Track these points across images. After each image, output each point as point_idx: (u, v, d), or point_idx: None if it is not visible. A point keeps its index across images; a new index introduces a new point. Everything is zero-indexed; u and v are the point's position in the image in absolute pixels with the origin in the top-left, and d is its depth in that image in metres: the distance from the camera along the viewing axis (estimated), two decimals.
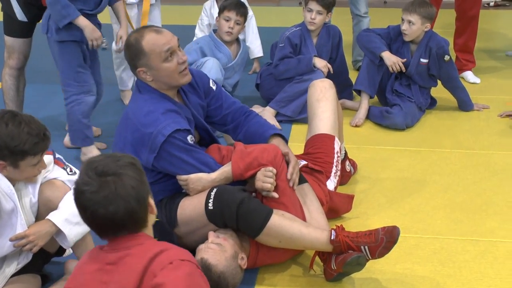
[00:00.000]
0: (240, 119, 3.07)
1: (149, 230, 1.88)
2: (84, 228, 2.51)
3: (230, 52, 4.41)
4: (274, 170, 2.77)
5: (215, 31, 4.48)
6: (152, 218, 1.89)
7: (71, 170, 2.64)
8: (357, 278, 2.77)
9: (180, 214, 2.80)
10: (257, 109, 4.57)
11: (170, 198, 2.88)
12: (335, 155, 3.27)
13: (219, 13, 4.41)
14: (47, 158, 2.56)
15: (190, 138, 2.80)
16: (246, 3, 4.71)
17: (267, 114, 4.42)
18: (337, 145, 3.30)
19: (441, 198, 3.47)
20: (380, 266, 2.84)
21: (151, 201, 1.86)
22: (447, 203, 3.42)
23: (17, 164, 2.39)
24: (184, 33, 4.99)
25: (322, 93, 3.38)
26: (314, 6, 4.42)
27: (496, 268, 2.86)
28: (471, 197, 3.49)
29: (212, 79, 3.09)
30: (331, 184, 3.21)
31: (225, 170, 2.80)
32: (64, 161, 2.67)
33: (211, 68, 4.16)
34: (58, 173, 2.59)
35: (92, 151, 3.80)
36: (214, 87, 3.05)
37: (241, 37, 5.33)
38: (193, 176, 2.79)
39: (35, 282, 2.69)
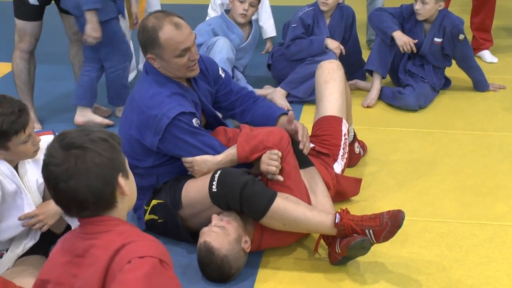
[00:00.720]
0: (248, 103, 3.08)
1: (120, 213, 1.74)
2: None
3: (243, 33, 4.36)
4: (280, 153, 2.76)
5: (227, 11, 4.42)
6: (125, 201, 1.74)
7: None
8: (362, 261, 2.75)
9: (184, 196, 2.80)
10: (268, 89, 4.55)
11: (175, 180, 2.88)
12: (343, 138, 3.24)
13: None
14: (47, 138, 2.54)
15: (195, 121, 2.80)
16: None
17: (278, 94, 4.40)
18: (344, 127, 3.27)
19: (451, 181, 3.43)
20: (386, 249, 2.81)
21: (121, 181, 1.70)
22: (457, 186, 3.38)
23: (6, 146, 2.38)
24: (196, 12, 4.97)
25: (330, 75, 3.34)
26: None
27: (504, 253, 2.83)
28: (482, 180, 3.44)
29: (222, 67, 3.09)
30: (338, 167, 3.18)
31: (230, 153, 2.80)
32: None
33: (223, 47, 4.13)
34: None
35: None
36: (223, 75, 3.06)
37: (253, 17, 5.30)
38: (198, 158, 2.78)
39: (42, 263, 2.70)
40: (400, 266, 2.74)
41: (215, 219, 2.67)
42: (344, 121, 3.28)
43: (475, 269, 2.72)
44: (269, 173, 2.75)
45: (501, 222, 3.06)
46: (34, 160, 2.55)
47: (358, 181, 3.24)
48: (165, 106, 2.73)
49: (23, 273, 2.54)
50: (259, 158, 2.78)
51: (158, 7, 4.57)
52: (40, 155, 2.55)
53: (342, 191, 3.17)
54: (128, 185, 1.73)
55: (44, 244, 2.72)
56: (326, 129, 3.26)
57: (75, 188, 1.64)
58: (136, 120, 2.80)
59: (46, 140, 2.52)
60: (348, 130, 3.32)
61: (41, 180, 2.55)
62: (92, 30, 3.74)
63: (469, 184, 3.40)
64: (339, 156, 3.21)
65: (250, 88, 4.18)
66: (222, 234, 2.62)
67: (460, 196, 3.29)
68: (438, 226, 3.03)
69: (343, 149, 3.23)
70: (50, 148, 1.68)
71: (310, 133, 3.33)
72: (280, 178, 2.76)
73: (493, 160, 3.65)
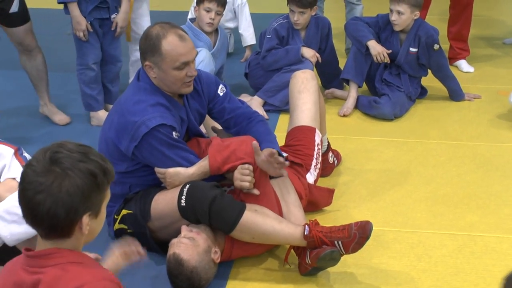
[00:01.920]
0: (242, 125, 3.04)
1: (73, 244, 1.68)
2: (26, 229, 2.38)
3: (210, 40, 4.36)
4: (251, 167, 2.76)
5: (192, 20, 4.42)
6: (82, 237, 1.69)
7: None
8: (332, 272, 2.77)
9: (153, 208, 2.81)
10: (245, 98, 4.56)
11: (145, 191, 2.89)
12: (316, 148, 3.26)
13: (198, 2, 4.31)
14: (7, 151, 2.54)
15: (174, 134, 2.80)
16: None
17: (255, 103, 4.41)
18: (318, 137, 3.29)
19: (423, 191, 3.47)
20: (355, 260, 2.83)
21: (85, 220, 1.65)
22: (429, 196, 3.41)
23: None
24: (176, 19, 4.96)
25: (303, 85, 3.36)
26: (295, 8, 4.38)
27: (472, 263, 2.86)
28: (454, 190, 3.47)
29: (223, 84, 3.07)
30: (310, 177, 3.20)
31: (202, 165, 2.81)
32: (26, 157, 2.58)
33: (203, 59, 4.13)
34: (17, 170, 2.51)
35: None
36: (221, 93, 3.02)
37: (233, 24, 5.32)
38: (171, 170, 2.79)
39: None
40: (369, 277, 2.77)
41: (184, 230, 2.68)
42: (317, 131, 3.30)
43: (443, 279, 2.75)
44: (243, 189, 2.76)
45: (471, 232, 3.09)
46: None
47: (331, 191, 3.26)
48: (146, 115, 2.73)
49: None
50: (231, 170, 2.79)
51: (147, 17, 4.56)
52: None
53: (314, 201, 3.19)
54: (92, 225, 1.69)
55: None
56: (300, 139, 3.27)
57: (39, 202, 1.61)
58: (116, 122, 2.81)
59: (1, 150, 2.52)
60: (321, 140, 3.34)
61: None
62: (76, 23, 3.91)
63: (441, 194, 3.43)
64: (312, 167, 3.23)
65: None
66: (191, 245, 2.63)
67: (431, 206, 3.32)
68: (408, 236, 3.05)
69: (316, 159, 3.25)
70: (41, 153, 1.65)
71: (283, 143, 3.35)
72: (256, 191, 2.78)
73: (465, 170, 3.69)
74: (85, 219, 1.65)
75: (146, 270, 2.77)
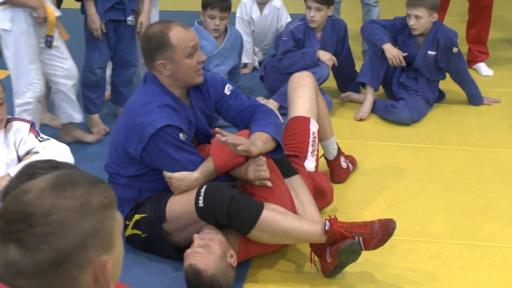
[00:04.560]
0: (248, 119, 3.00)
1: None
2: None
3: (215, 39, 4.33)
4: (264, 159, 2.76)
5: (200, 23, 4.39)
6: None
7: (42, 137, 2.77)
8: (347, 283, 2.72)
9: (169, 210, 2.78)
10: (261, 101, 4.50)
11: (160, 194, 2.86)
12: (311, 135, 3.22)
13: (203, 8, 4.30)
14: (23, 125, 2.76)
15: (182, 135, 2.78)
16: None
17: (270, 107, 4.35)
18: (313, 126, 3.25)
19: (441, 199, 3.40)
20: (372, 270, 2.78)
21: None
22: (447, 204, 3.34)
23: None
24: (185, 19, 4.90)
25: (299, 82, 3.37)
26: (312, 3, 4.32)
27: (492, 276, 2.79)
28: (472, 198, 3.40)
29: (230, 83, 3.04)
30: (309, 163, 3.17)
31: (206, 166, 2.78)
32: (39, 131, 2.82)
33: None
34: (32, 142, 2.74)
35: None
36: (228, 92, 3.00)
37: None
38: (176, 174, 2.76)
39: None
40: None
41: (196, 239, 2.64)
42: (312, 120, 3.25)
43: None
44: (257, 179, 2.74)
45: (490, 243, 3.02)
46: None
47: (325, 173, 3.27)
48: (153, 116, 2.73)
49: None
50: (238, 165, 2.77)
51: (157, 19, 4.53)
52: (11, 134, 2.72)
53: (319, 187, 3.13)
54: None
55: None
56: (294, 128, 3.25)
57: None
58: (124, 125, 2.82)
59: (19, 126, 2.73)
60: (318, 131, 3.28)
61: (11, 156, 2.71)
62: (91, 21, 3.85)
63: (459, 203, 3.36)
64: (309, 153, 3.19)
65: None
66: (206, 253, 2.59)
67: (449, 215, 3.25)
68: (425, 247, 2.99)
69: (312, 146, 3.21)
70: (15, 180, 1.60)
71: None
72: (269, 183, 2.76)
73: (484, 178, 3.61)
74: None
75: (163, 275, 2.75)
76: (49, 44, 3.55)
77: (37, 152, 2.72)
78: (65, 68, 3.70)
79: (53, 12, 3.53)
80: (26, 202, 1.09)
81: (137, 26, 4.08)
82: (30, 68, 3.51)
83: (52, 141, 2.78)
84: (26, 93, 3.54)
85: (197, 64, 2.81)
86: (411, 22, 4.27)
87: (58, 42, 3.63)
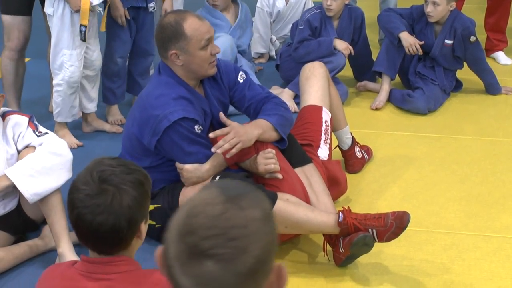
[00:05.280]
0: (259, 110, 2.98)
1: (129, 252, 1.73)
2: (45, 182, 2.66)
3: (227, 17, 4.41)
4: (273, 151, 2.75)
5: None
6: (137, 244, 1.75)
7: (40, 132, 2.76)
8: (361, 274, 2.71)
9: (182, 200, 2.78)
10: (276, 90, 4.49)
11: (173, 185, 2.87)
12: (323, 124, 3.19)
13: None
14: (22, 119, 2.74)
15: (197, 128, 2.77)
16: None
17: (286, 96, 4.33)
18: (325, 114, 3.22)
19: (457, 190, 3.36)
20: (386, 262, 2.77)
21: (143, 227, 1.71)
22: (463, 195, 3.31)
23: None
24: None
25: (310, 72, 3.34)
26: None
27: (507, 267, 2.76)
28: (489, 189, 3.37)
29: (243, 71, 3.03)
30: (322, 151, 3.14)
31: (217, 157, 2.77)
32: (37, 124, 2.80)
33: (220, 46, 4.08)
34: (30, 137, 2.74)
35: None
36: (241, 80, 2.98)
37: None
38: (188, 166, 2.76)
39: (7, 239, 2.83)
40: (400, 279, 2.69)
41: None
42: (324, 109, 3.23)
43: (477, 284, 2.66)
44: (267, 172, 2.73)
45: (506, 235, 2.99)
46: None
47: (338, 162, 3.24)
48: (168, 108, 2.71)
49: None
50: (247, 156, 2.76)
51: (181, 7, 4.52)
52: (9, 128, 2.73)
53: (332, 176, 3.11)
54: (145, 231, 1.74)
55: (18, 223, 2.86)
56: (306, 117, 3.22)
57: (101, 223, 1.65)
58: (139, 117, 2.80)
59: (18, 120, 2.74)
60: (331, 119, 3.25)
61: (11, 151, 2.73)
62: (114, 8, 3.76)
63: (476, 194, 3.33)
64: (322, 141, 3.16)
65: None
66: None
67: (465, 206, 3.22)
68: (441, 238, 2.96)
69: (325, 134, 3.19)
70: (86, 174, 1.67)
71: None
72: (279, 175, 2.75)
73: (501, 168, 3.57)
74: (143, 226, 1.71)
75: None
76: (82, 36, 3.54)
77: (34, 147, 2.72)
78: (90, 59, 3.72)
79: (88, 1, 3.49)
80: (217, 216, 1.08)
81: (161, 13, 4.02)
82: (64, 53, 3.58)
83: (50, 136, 2.78)
84: (58, 75, 3.65)
85: (210, 56, 2.78)
86: (428, 9, 4.22)
87: (91, 31, 3.64)
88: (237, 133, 2.71)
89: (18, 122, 2.75)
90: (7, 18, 3.73)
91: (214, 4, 4.39)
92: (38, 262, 2.80)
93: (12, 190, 2.73)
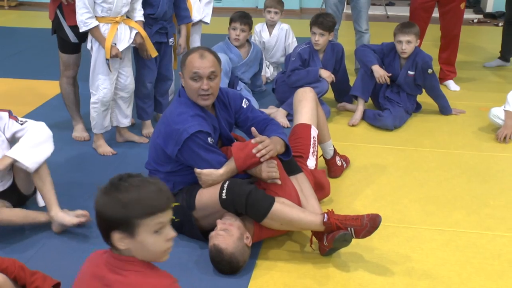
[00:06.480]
0: (261, 129, 2.98)
1: (135, 255, 1.72)
2: (40, 152, 2.78)
3: (240, 52, 4.47)
4: (275, 162, 2.75)
5: (229, 38, 4.54)
6: (130, 251, 1.72)
7: (21, 121, 2.86)
8: (341, 261, 2.71)
9: (197, 200, 2.78)
10: (272, 109, 4.51)
11: (190, 187, 2.86)
12: (312, 139, 3.19)
13: (229, 24, 4.50)
14: (3, 114, 2.82)
15: (210, 140, 2.77)
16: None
17: (280, 114, 4.35)
18: (314, 131, 3.21)
19: (418, 192, 3.37)
20: (361, 251, 2.77)
21: (115, 236, 1.68)
22: (422, 197, 3.32)
23: None
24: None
25: (302, 96, 3.33)
26: (317, 30, 4.32)
27: (456, 256, 2.77)
28: (443, 192, 3.38)
29: (246, 98, 3.03)
30: (311, 162, 3.14)
31: (229, 165, 2.77)
32: (17, 116, 2.88)
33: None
34: (15, 126, 2.83)
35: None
36: (245, 106, 2.99)
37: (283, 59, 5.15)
38: (205, 171, 2.76)
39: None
40: (372, 265, 2.69)
41: (219, 223, 2.65)
42: (313, 127, 3.23)
43: (433, 269, 2.67)
44: (269, 178, 2.74)
45: (456, 229, 3.00)
46: None
47: (323, 171, 3.24)
48: (187, 123, 2.72)
49: None
50: (254, 165, 2.75)
51: (199, 43, 4.53)
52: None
53: (319, 182, 3.11)
54: (129, 244, 1.67)
55: (13, 198, 2.92)
56: (298, 134, 3.22)
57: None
58: (163, 131, 2.80)
59: (2, 115, 2.80)
60: (318, 135, 3.25)
61: (2, 137, 2.81)
62: (141, 51, 3.80)
63: (432, 195, 3.34)
64: (310, 153, 3.16)
65: (253, 100, 4.37)
66: (227, 235, 2.59)
67: (424, 206, 3.23)
68: (405, 231, 2.97)
69: (313, 147, 3.18)
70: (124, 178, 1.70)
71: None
72: (279, 181, 2.75)
73: (452, 175, 3.58)
74: (115, 235, 1.66)
75: (191, 251, 2.75)
76: (107, 66, 3.58)
77: (23, 130, 2.81)
78: (124, 84, 3.74)
79: (110, 42, 3.52)
80: None
81: (176, 47, 4.05)
82: (99, 77, 3.62)
83: (30, 121, 2.88)
84: (95, 95, 3.68)
85: (198, 89, 2.73)
86: (403, 47, 4.23)
87: (125, 61, 3.68)
88: (271, 143, 2.75)
89: (1, 116, 2.82)
90: (64, 56, 3.84)
91: (236, 38, 4.47)
92: (60, 237, 2.81)
93: (8, 171, 2.84)
